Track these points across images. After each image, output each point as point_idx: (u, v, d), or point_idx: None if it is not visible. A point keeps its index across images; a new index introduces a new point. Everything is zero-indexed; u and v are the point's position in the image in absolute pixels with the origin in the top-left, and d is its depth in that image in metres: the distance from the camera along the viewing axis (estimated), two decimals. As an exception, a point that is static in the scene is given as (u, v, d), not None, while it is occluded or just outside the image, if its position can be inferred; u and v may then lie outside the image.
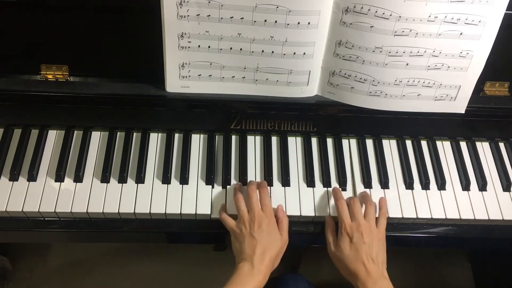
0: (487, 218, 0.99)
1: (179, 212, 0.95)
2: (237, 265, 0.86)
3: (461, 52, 0.88)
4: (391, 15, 0.82)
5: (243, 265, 0.85)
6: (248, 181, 0.99)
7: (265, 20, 0.84)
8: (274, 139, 1.06)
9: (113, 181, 0.97)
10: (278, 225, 0.91)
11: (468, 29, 0.85)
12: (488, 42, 0.87)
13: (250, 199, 0.91)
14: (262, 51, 0.89)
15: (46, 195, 0.95)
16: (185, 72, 0.92)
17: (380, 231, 0.90)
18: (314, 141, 1.06)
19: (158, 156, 1.02)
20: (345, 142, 1.07)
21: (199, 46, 0.88)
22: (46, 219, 0.96)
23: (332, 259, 0.92)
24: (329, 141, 1.07)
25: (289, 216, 0.95)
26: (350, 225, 0.89)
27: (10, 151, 1.00)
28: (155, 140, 1.04)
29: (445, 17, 0.83)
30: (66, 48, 0.94)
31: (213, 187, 0.98)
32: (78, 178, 0.97)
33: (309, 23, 0.84)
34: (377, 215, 0.93)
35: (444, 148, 1.08)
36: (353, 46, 0.88)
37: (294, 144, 1.06)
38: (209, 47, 0.88)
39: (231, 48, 0.89)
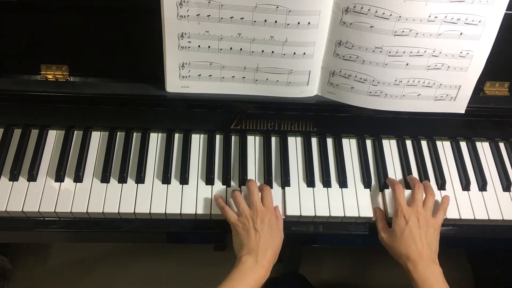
0: (487, 218, 0.99)
1: (179, 212, 0.95)
2: (239, 259, 0.85)
3: (461, 52, 0.88)
4: (391, 15, 0.82)
5: (246, 259, 0.84)
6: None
7: (265, 20, 0.84)
8: (274, 139, 1.06)
9: (113, 181, 0.97)
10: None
11: (468, 29, 0.85)
12: (488, 42, 0.87)
13: (252, 194, 0.90)
14: (262, 51, 0.89)
15: (46, 195, 0.95)
16: (185, 72, 0.92)
17: (437, 222, 0.91)
18: (314, 141, 1.06)
19: (158, 156, 1.02)
20: (345, 142, 1.07)
21: (199, 46, 0.88)
22: (46, 219, 0.96)
23: (383, 243, 0.92)
24: (329, 141, 1.07)
25: (289, 216, 0.95)
26: (407, 209, 0.90)
27: (10, 151, 1.00)
28: (155, 140, 1.04)
29: (445, 17, 0.83)
30: (66, 48, 0.94)
31: (213, 187, 0.98)
32: (78, 178, 0.97)
33: (309, 23, 0.84)
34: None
35: (444, 148, 1.08)
36: (353, 46, 0.88)
37: (294, 144, 1.06)
38: (209, 47, 0.88)
39: (231, 48, 0.89)
